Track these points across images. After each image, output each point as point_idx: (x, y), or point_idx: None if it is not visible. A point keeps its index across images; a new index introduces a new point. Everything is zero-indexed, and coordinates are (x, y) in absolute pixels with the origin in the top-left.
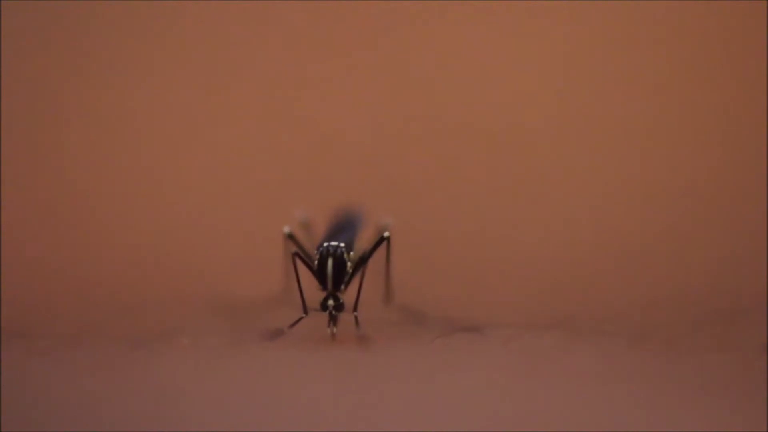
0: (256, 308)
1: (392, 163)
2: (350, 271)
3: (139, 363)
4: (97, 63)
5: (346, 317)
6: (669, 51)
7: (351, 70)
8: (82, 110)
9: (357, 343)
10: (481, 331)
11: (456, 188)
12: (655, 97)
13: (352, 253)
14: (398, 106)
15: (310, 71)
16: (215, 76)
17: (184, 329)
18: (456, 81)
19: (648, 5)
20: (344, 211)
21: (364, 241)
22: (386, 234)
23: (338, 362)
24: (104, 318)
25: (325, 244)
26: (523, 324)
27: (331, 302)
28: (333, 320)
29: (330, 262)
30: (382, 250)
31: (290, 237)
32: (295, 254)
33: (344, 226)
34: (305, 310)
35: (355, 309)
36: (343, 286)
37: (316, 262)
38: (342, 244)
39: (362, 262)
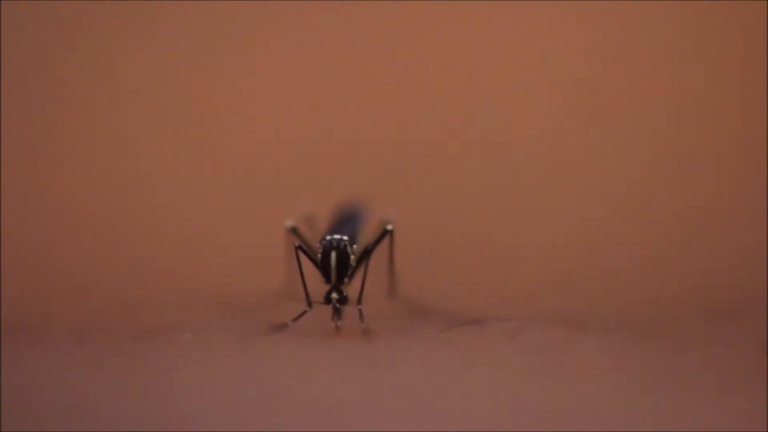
0: (259, 302)
1: (396, 157)
2: (353, 264)
3: (142, 358)
4: (98, 63)
5: (349, 310)
6: (669, 51)
7: (354, 66)
8: (82, 109)
9: (361, 336)
10: (485, 325)
11: (461, 183)
12: (656, 95)
13: (355, 246)
14: (402, 102)
15: (314, 67)
16: (217, 74)
17: (187, 324)
18: (460, 77)
19: (648, 5)
20: (347, 205)
21: (367, 234)
22: (389, 227)
23: (342, 355)
24: (107, 314)
25: (328, 238)
26: (527, 318)
27: (334, 295)
28: (337, 313)
29: (333, 255)
30: (385, 243)
31: (293, 231)
32: (299, 248)
33: (347, 220)
34: (309, 304)
35: (358, 302)
36: (346, 280)
37: (319, 255)
38: (345, 238)
39: (365, 255)
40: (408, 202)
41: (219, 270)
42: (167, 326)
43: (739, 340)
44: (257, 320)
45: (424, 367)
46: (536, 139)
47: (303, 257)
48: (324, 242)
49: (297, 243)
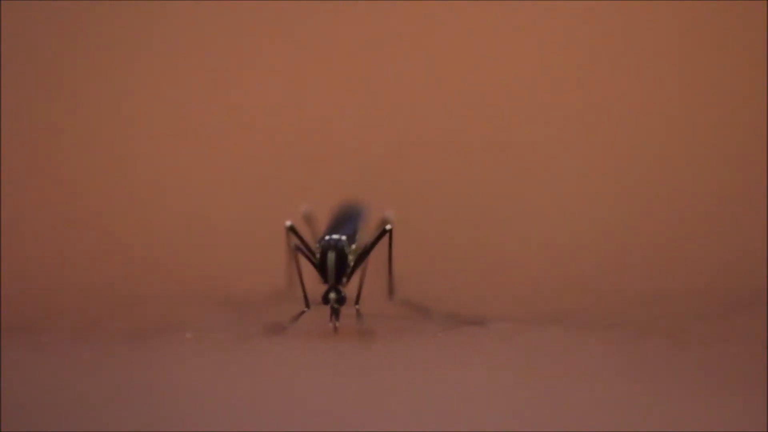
0: (258, 302)
1: (395, 157)
2: (352, 264)
3: (142, 358)
4: (98, 62)
5: (348, 311)
6: (670, 51)
7: (354, 67)
8: (82, 108)
9: (359, 336)
10: (485, 326)
11: (460, 183)
12: (655, 97)
13: (353, 246)
14: (403, 101)
15: (315, 67)
16: (216, 73)
17: (187, 324)
18: (459, 77)
19: (649, 5)
20: (346, 205)
21: (365, 234)
22: (388, 227)
23: (340, 356)
24: (107, 313)
25: (327, 238)
26: (527, 318)
27: (332, 296)
28: (335, 314)
29: (331, 255)
30: (384, 243)
31: (292, 230)
32: (297, 248)
33: (346, 220)
34: (307, 304)
35: (357, 302)
36: (344, 280)
37: (317, 255)
38: (343, 238)
39: (364, 255)
40: (407, 202)
41: (219, 270)
42: (167, 325)
43: (740, 338)
44: (257, 320)
45: (422, 367)
46: (535, 139)
47: (301, 257)
48: (322, 242)
49: (295, 243)
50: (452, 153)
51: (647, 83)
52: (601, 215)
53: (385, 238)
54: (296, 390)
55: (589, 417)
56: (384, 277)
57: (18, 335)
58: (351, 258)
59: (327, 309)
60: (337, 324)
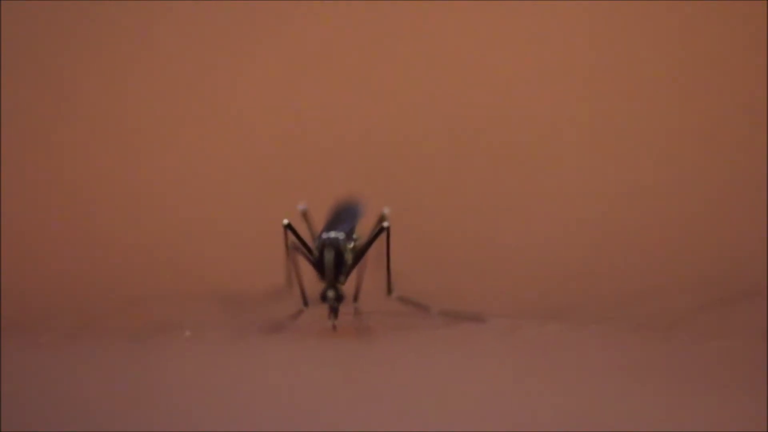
0: (256, 301)
1: (393, 154)
2: (350, 261)
3: (141, 356)
4: (97, 61)
5: (346, 308)
6: (671, 51)
7: (352, 65)
8: (82, 107)
9: (358, 334)
10: (483, 322)
11: (458, 180)
12: (653, 90)
13: (351, 243)
14: (399, 99)
15: (308, 66)
16: (214, 73)
17: (185, 322)
18: (458, 75)
19: (649, 5)
20: (344, 202)
21: (363, 231)
22: (386, 224)
23: (339, 354)
24: (106, 312)
25: (324, 235)
26: (526, 314)
27: (331, 293)
28: (333, 311)
29: (329, 253)
30: (382, 240)
31: (289, 228)
32: (294, 246)
33: (344, 217)
34: (305, 302)
35: (355, 300)
36: (342, 277)
37: (315, 253)
38: (341, 235)
39: (362, 252)
40: (405, 199)
41: (217, 268)
42: (165, 324)
43: (739, 332)
44: (255, 318)
45: (421, 364)
46: (532, 136)
47: (299, 255)
48: (320, 240)
49: (292, 241)
50: (449, 149)
51: (646, 81)
52: (598, 211)
53: (383, 235)
54: (295, 388)
55: (588, 413)
56: (382, 274)
57: (16, 334)
58: (349, 255)
59: (325, 307)
60: (336, 322)
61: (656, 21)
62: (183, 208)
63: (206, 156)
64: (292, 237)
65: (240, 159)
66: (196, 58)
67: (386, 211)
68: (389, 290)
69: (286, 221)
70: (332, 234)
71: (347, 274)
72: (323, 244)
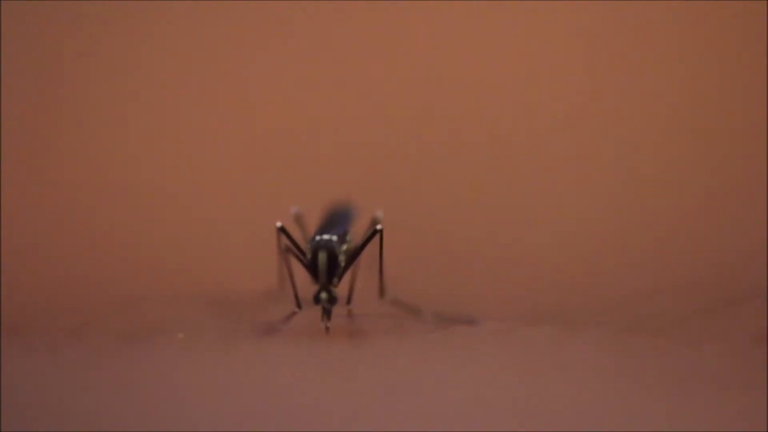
0: (250, 303)
1: (386, 157)
2: (343, 264)
3: (134, 358)
4: (96, 62)
5: (339, 311)
6: (671, 50)
7: (348, 67)
8: (80, 109)
9: (351, 336)
10: (477, 325)
11: (451, 181)
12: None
13: (344, 246)
14: (393, 101)
15: (304, 69)
16: (211, 75)
17: (179, 324)
18: (453, 75)
19: (649, 5)
20: (337, 205)
21: (356, 234)
22: (379, 227)
23: (332, 356)
24: (100, 314)
25: (317, 238)
26: (519, 317)
27: (324, 296)
28: (326, 314)
29: (322, 255)
30: (375, 243)
31: (282, 231)
32: (288, 249)
33: (337, 220)
34: (298, 305)
35: (348, 302)
36: (335, 280)
37: (308, 255)
38: (334, 238)
39: (355, 255)
40: (398, 201)
41: (211, 270)
42: (159, 326)
43: (737, 335)
44: (248, 320)
45: (414, 367)
46: (528, 138)
47: (292, 258)
48: (313, 243)
49: (286, 244)
50: (443, 151)
51: (645, 81)
52: (594, 213)
53: (376, 238)
54: (288, 390)
55: (583, 416)
56: (375, 277)
57: (12, 336)
58: (342, 258)
59: (318, 309)
60: (329, 324)
61: (656, 21)
62: (177, 211)
63: (199, 159)
64: (285, 240)
65: (233, 162)
66: (191, 62)
67: (379, 214)
68: (382, 293)
69: (279, 224)
70: (325, 236)
71: (340, 276)
72: (316, 247)
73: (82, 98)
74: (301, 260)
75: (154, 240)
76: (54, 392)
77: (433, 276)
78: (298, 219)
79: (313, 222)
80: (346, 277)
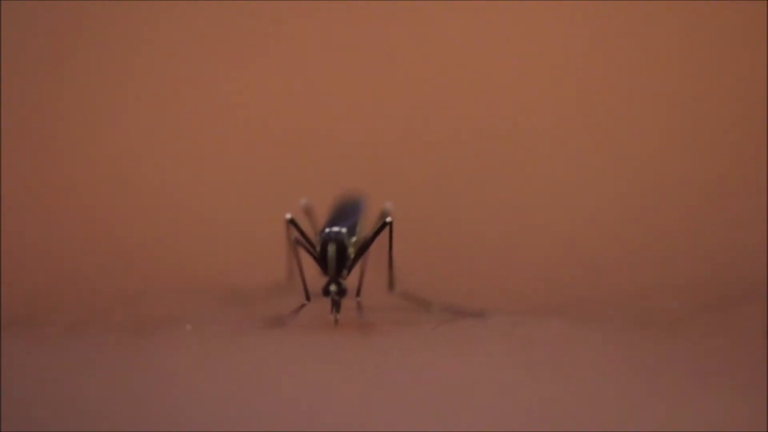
0: (258, 295)
1: (396, 149)
2: (352, 256)
3: (142, 350)
4: (97, 61)
5: (348, 303)
6: (671, 50)
7: (355, 63)
8: (82, 104)
9: (359, 329)
10: (485, 318)
11: (461, 176)
12: (654, 89)
13: (353, 238)
14: (404, 96)
15: (310, 64)
16: (215, 71)
17: (187, 316)
18: (460, 70)
19: (649, 6)
20: (346, 197)
21: (365, 226)
22: (388, 219)
23: (341, 348)
24: (107, 306)
25: (327, 230)
26: (526, 311)
27: (333, 288)
28: (335, 306)
29: (332, 247)
30: (384, 235)
31: (292, 223)
32: (297, 241)
33: (346, 212)
34: (308, 297)
35: (357, 294)
36: (345, 272)
37: (318, 248)
38: (344, 230)
39: (364, 247)
40: (407, 195)
41: (219, 262)
42: (166, 319)
43: (740, 331)
44: (257, 313)
45: (422, 359)
46: (535, 133)
47: (302, 250)
48: (322, 235)
49: (295, 235)
50: (452, 146)
51: (647, 79)
52: (600, 209)
53: (386, 231)
54: (296, 382)
55: (588, 410)
56: (384, 270)
57: (16, 330)
58: (351, 250)
59: (327, 301)
60: (338, 316)
61: (657, 22)
62: (184, 204)
63: (207, 152)
64: (294, 231)
65: (241, 155)
66: (197, 56)
67: (389, 205)
68: (391, 285)
69: (288, 215)
70: (335, 229)
71: (350, 268)
72: (326, 239)
73: (87, 96)
74: (310, 252)
75: (161, 233)
76: (59, 386)
77: (442, 269)
78: (308, 211)
79: (322, 214)
80: (356, 270)
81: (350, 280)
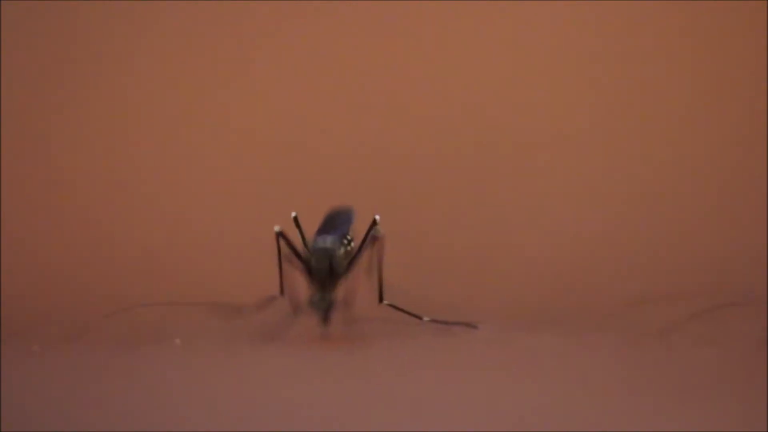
0: (248, 309)
1: (387, 158)
2: (341, 268)
3: (132, 363)
4: (96, 62)
5: (337, 316)
6: (670, 50)
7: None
8: (80, 109)
9: (349, 341)
10: (476, 329)
11: (450, 185)
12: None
13: (343, 250)
14: (392, 105)
15: (303, 74)
16: (207, 82)
17: (176, 330)
18: (451, 83)
19: (649, 6)
20: (335, 210)
21: (355, 238)
22: (379, 231)
23: (330, 361)
24: (98, 319)
25: (316, 242)
26: (518, 321)
27: (322, 300)
28: (325, 319)
29: (321, 260)
30: (374, 247)
31: (281, 236)
32: (286, 253)
33: (336, 224)
34: (297, 310)
35: (347, 307)
36: (334, 284)
37: (307, 260)
38: (333, 242)
39: (354, 259)
40: (397, 206)
41: (208, 275)
42: (158, 331)
43: (736, 340)
44: (246, 326)
45: (413, 372)
46: (528, 142)
47: (291, 262)
48: (312, 247)
49: (285, 249)
50: (443, 155)
51: (645, 84)
52: (593, 217)
53: (376, 243)
54: (287, 395)
55: (582, 421)
56: (374, 281)
57: (10, 341)
58: (341, 262)
59: (316, 314)
60: (327, 329)
61: (657, 22)
62: (174, 216)
63: (198, 164)
64: (284, 244)
65: (232, 167)
66: (190, 65)
67: (378, 218)
68: (381, 298)
69: (277, 228)
70: (325, 240)
71: (339, 281)
72: (315, 251)
73: (83, 101)
74: (300, 265)
75: (153, 245)
76: (52, 397)
77: (433, 281)
78: (297, 224)
79: (312, 227)
80: (345, 282)
81: (339, 293)
